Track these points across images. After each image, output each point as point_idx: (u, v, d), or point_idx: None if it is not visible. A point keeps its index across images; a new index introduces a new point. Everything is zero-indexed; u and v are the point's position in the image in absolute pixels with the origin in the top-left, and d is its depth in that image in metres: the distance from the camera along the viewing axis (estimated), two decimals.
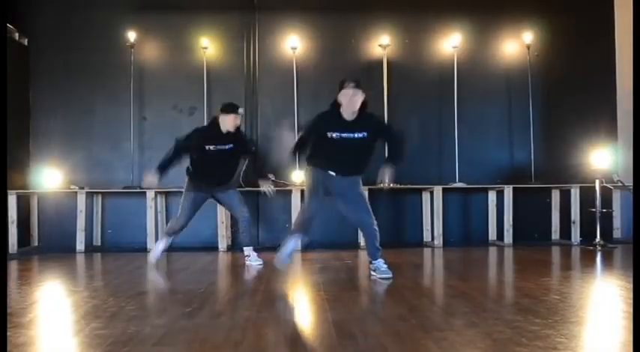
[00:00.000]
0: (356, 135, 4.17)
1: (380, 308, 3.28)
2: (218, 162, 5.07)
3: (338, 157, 4.22)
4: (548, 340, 2.42)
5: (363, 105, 4.16)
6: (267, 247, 6.71)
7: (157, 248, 5.25)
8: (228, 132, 5.05)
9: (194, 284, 4.28)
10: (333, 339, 2.52)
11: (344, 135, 4.14)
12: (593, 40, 7.13)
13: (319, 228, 6.81)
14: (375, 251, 4.25)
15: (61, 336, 2.73)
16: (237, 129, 5.15)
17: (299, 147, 4.39)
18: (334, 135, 4.14)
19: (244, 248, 5.27)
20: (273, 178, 6.77)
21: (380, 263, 4.23)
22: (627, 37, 6.47)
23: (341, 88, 4.15)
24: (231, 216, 6.84)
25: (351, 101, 4.09)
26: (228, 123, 5.01)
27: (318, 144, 4.25)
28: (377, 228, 4.25)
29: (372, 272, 4.27)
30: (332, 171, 4.23)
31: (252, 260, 5.16)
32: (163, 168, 4.97)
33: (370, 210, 4.28)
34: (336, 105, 4.20)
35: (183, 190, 5.27)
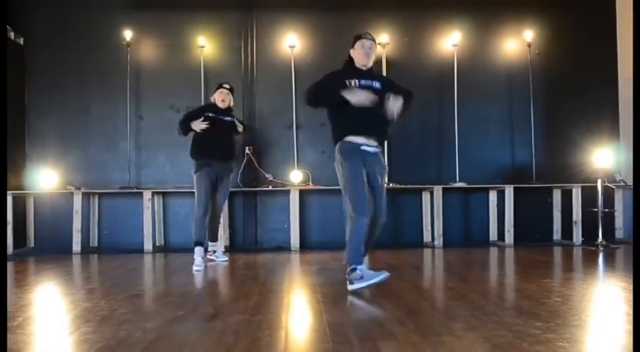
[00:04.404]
0: (374, 83, 3.83)
1: (377, 311, 3.21)
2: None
3: (363, 115, 3.69)
4: (550, 345, 2.35)
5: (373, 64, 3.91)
6: (265, 248, 6.69)
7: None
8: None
9: (188, 286, 4.21)
10: (328, 343, 2.45)
11: (363, 82, 3.77)
12: (595, 38, 7.07)
13: (317, 227, 6.85)
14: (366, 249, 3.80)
15: (48, 340, 2.66)
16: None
17: (317, 93, 3.73)
18: (353, 82, 3.74)
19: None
20: (272, 178, 6.74)
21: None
22: (629, 35, 6.40)
23: (357, 39, 3.86)
24: (230, 217, 6.80)
25: (367, 53, 3.82)
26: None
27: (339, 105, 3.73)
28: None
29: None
30: (362, 137, 3.73)
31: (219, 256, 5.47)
32: None
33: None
34: (349, 60, 3.90)
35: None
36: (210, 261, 5.34)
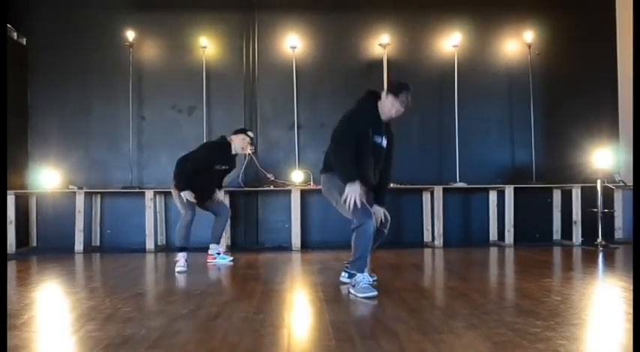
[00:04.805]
0: (383, 141, 3.78)
1: (379, 309, 3.24)
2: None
3: (370, 172, 3.73)
4: (549, 343, 2.39)
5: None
6: (266, 247, 6.72)
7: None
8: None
9: (191, 285, 4.25)
10: (330, 341, 2.48)
11: (377, 139, 3.70)
12: (595, 38, 7.09)
13: (318, 226, 6.87)
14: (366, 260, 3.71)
15: (54, 338, 2.70)
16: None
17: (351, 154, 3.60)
18: (375, 139, 3.69)
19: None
20: (273, 178, 6.77)
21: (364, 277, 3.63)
22: (629, 35, 6.43)
23: (399, 91, 3.67)
24: (231, 217, 6.81)
25: (395, 114, 3.72)
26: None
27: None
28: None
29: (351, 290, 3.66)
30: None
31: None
32: None
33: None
34: (376, 98, 3.74)
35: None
36: (213, 262, 5.34)
